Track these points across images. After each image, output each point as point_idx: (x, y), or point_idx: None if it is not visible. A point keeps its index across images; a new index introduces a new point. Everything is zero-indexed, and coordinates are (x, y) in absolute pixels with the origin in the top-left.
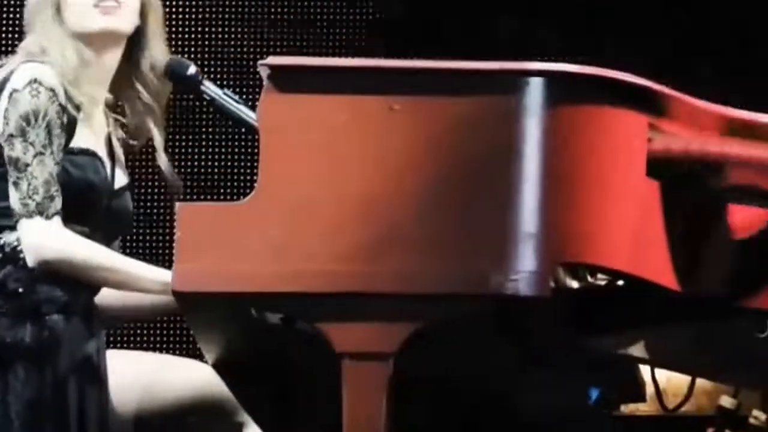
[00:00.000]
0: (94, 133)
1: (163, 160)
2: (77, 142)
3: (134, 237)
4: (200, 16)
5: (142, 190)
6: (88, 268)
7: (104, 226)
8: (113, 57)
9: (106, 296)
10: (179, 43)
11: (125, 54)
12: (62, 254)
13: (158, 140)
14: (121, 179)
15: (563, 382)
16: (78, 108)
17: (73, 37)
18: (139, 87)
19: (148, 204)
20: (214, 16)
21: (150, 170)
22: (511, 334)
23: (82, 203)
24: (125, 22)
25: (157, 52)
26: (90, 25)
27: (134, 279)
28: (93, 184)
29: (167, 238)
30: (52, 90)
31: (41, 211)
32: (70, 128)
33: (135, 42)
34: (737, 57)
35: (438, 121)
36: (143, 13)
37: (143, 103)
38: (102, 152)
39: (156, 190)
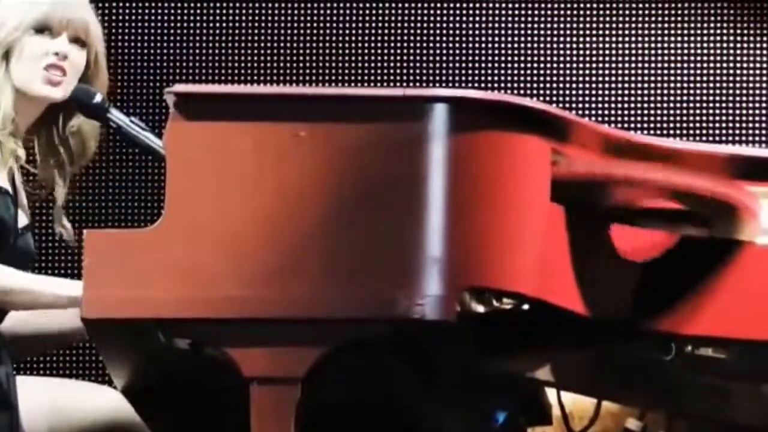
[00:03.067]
0: (2, 171)
1: (59, 215)
2: None
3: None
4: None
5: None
6: None
7: (8, 264)
8: (41, 110)
9: (12, 326)
10: None
11: (53, 107)
12: None
13: (61, 197)
14: (22, 219)
15: (470, 405)
16: None
17: (13, 87)
18: (59, 146)
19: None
20: (125, 42)
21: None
22: (417, 357)
23: None
24: (67, 91)
25: (84, 123)
26: (32, 90)
27: (42, 296)
28: (3, 219)
29: (69, 268)
30: None
31: None
32: None
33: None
34: None
35: (343, 147)
36: (86, 76)
37: (57, 161)
38: (9, 190)
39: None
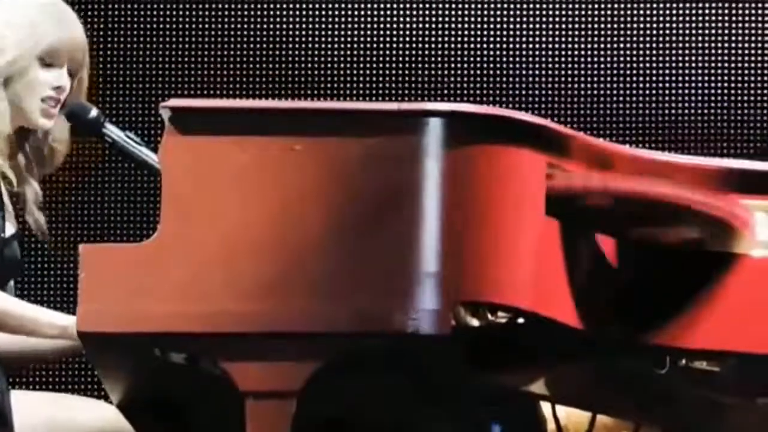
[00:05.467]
0: None
1: (34, 214)
2: None
3: (33, 282)
4: (104, 59)
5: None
6: None
7: None
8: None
9: (3, 341)
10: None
11: None
12: None
13: (31, 194)
14: (9, 228)
15: (465, 419)
16: None
17: (11, 109)
18: (28, 149)
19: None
20: (118, 58)
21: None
22: (412, 371)
23: None
24: (53, 120)
25: (60, 133)
26: (29, 121)
27: (32, 323)
28: None
29: (65, 283)
30: None
31: None
32: None
33: None
34: None
35: (339, 161)
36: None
37: (26, 164)
38: None
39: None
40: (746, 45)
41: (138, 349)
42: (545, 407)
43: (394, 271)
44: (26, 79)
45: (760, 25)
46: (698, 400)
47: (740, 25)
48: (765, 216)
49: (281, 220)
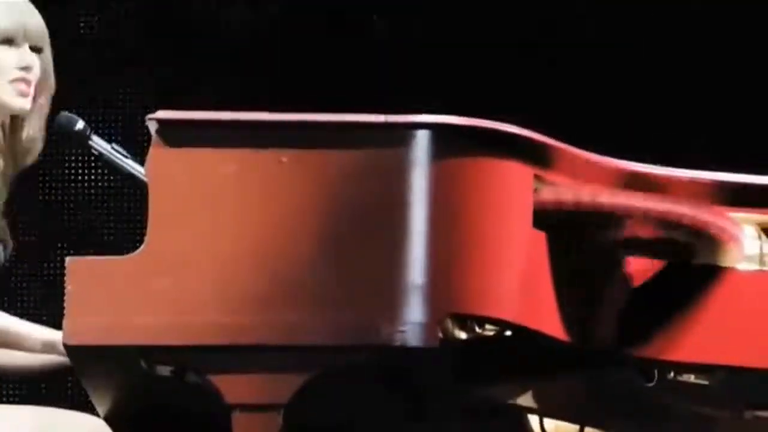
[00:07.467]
0: None
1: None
2: None
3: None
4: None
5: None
6: None
7: None
8: None
9: None
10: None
11: None
12: None
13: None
14: None
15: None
16: None
17: None
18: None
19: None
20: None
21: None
22: (398, 384)
23: None
24: (31, 101)
25: (35, 129)
26: (7, 103)
27: (19, 338)
28: None
29: (51, 295)
30: None
31: None
32: None
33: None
34: None
35: (326, 173)
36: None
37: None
38: None
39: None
40: None
41: (125, 361)
42: (533, 420)
43: (381, 284)
44: None
45: None
46: (686, 413)
47: None
48: (753, 229)
49: (268, 233)
